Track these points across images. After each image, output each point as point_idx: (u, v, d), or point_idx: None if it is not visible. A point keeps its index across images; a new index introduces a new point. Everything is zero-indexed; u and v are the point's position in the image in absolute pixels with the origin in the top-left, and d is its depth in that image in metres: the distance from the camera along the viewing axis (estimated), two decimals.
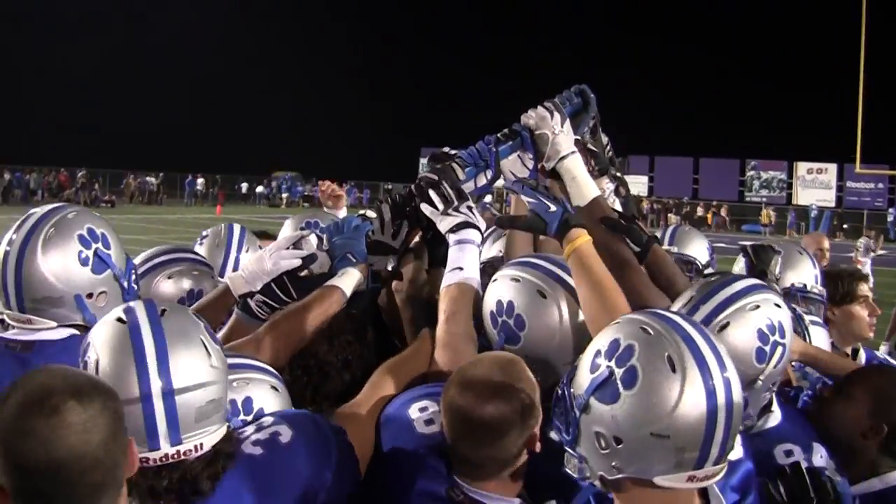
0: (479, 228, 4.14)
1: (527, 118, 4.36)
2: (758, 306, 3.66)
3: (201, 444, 2.81)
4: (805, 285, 4.99)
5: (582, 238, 3.82)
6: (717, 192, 79.95)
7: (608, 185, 4.69)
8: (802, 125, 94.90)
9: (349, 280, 4.12)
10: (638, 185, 77.43)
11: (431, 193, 4.19)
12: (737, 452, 3.17)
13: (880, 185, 76.95)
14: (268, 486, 2.98)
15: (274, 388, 3.59)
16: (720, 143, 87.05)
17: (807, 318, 4.98)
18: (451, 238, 4.11)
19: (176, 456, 2.76)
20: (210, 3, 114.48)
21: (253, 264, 4.23)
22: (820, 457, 3.70)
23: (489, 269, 5.77)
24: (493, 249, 6.26)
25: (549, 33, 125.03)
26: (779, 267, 5.31)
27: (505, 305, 3.80)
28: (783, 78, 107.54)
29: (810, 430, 3.90)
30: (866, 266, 30.48)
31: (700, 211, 72.35)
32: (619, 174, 4.55)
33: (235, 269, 5.50)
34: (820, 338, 5.01)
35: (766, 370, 3.56)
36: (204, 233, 5.94)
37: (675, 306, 3.74)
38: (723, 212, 74.69)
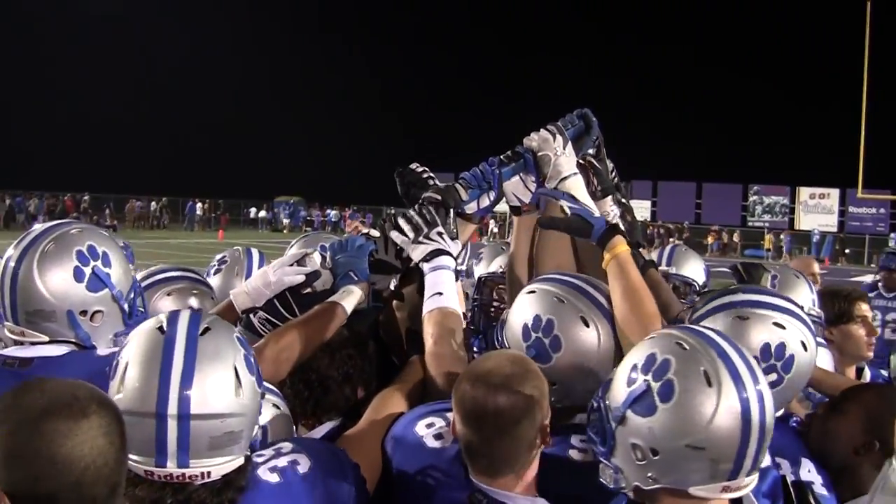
0: (451, 254, 4.15)
1: (529, 140, 4.38)
2: (783, 327, 3.79)
3: (209, 473, 2.77)
4: (802, 308, 5.01)
5: (623, 245, 3.96)
6: (720, 217, 79.97)
7: (613, 210, 4.70)
8: (805, 150, 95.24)
9: (350, 298, 4.12)
10: (641, 209, 77.42)
11: (401, 222, 4.23)
12: (766, 460, 3.20)
13: (882, 211, 76.96)
14: None
15: (275, 405, 3.62)
16: (723, 167, 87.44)
17: None
18: (425, 266, 4.12)
19: (181, 478, 2.73)
20: (214, 29, 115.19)
21: (257, 280, 4.24)
22: (808, 471, 3.74)
23: (489, 283, 5.77)
24: (494, 265, 6.28)
25: (558, 59, 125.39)
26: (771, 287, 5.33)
27: (544, 322, 3.75)
28: (786, 103, 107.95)
29: (800, 446, 3.94)
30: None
31: (710, 239, 72.20)
32: (624, 200, 4.57)
33: None
34: (824, 359, 5.02)
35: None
36: (218, 256, 5.88)
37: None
38: (735, 237, 74.79)
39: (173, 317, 2.89)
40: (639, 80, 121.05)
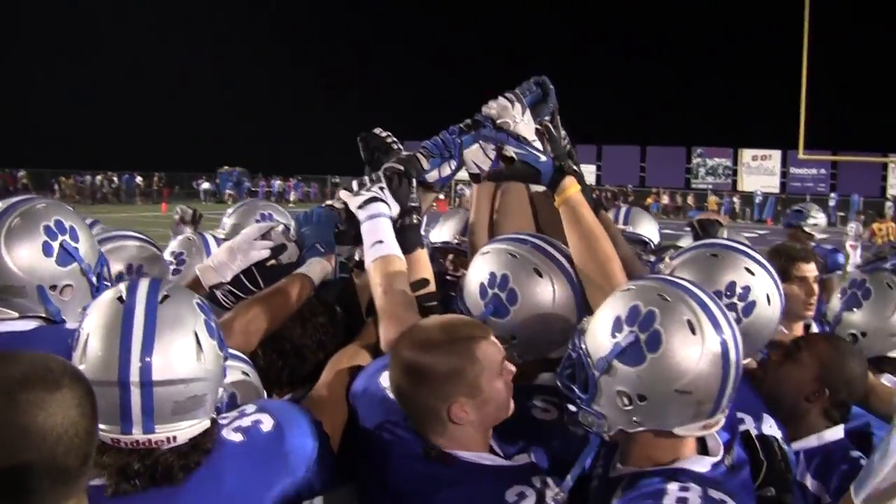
0: (386, 202, 4.14)
1: (488, 108, 4.39)
2: (753, 274, 3.97)
3: (175, 437, 2.81)
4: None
5: (574, 187, 4.05)
6: (664, 180, 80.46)
7: None
8: (747, 113, 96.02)
9: (317, 269, 4.15)
10: (587, 173, 75.83)
11: (353, 184, 4.26)
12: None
13: (822, 171, 77.78)
14: (246, 473, 3.00)
15: (245, 373, 3.65)
16: (666, 131, 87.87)
17: None
18: (361, 214, 4.12)
19: (147, 444, 2.77)
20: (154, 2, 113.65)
21: (223, 255, 4.23)
22: (769, 426, 3.83)
23: (440, 252, 5.80)
24: (445, 233, 6.31)
25: (494, 24, 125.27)
26: None
27: (499, 278, 3.83)
28: (728, 66, 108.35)
29: (760, 403, 4.04)
30: (857, 251, 30.61)
31: (650, 200, 72.46)
32: (576, 168, 4.64)
33: None
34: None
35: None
36: (173, 250, 5.86)
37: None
38: (689, 199, 75.25)
39: (132, 286, 2.91)
40: (582, 44, 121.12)
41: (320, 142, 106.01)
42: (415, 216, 4.26)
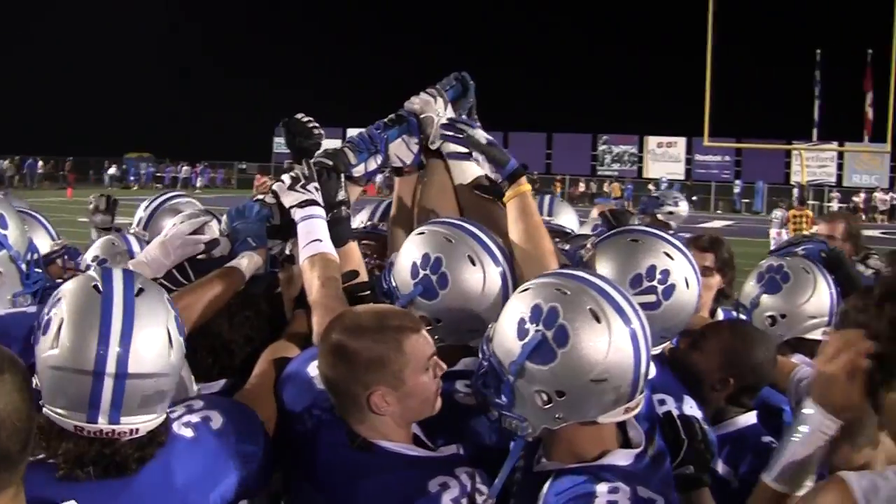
0: (321, 204, 4.20)
1: (411, 104, 4.51)
2: (672, 258, 4.03)
3: (137, 429, 2.84)
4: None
5: (527, 185, 4.16)
6: (570, 167, 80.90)
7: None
8: (652, 99, 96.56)
9: (249, 263, 4.14)
10: None
11: (283, 176, 4.29)
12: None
13: (727, 158, 78.79)
14: (196, 467, 3.04)
15: None
16: (572, 118, 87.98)
17: None
18: (298, 213, 4.16)
19: (110, 434, 2.79)
20: None
21: (156, 251, 4.23)
22: (690, 407, 3.90)
23: (370, 236, 5.85)
24: (356, 220, 6.36)
25: (400, 10, 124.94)
26: None
27: (432, 260, 3.88)
28: (632, 53, 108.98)
29: (680, 384, 4.11)
30: (782, 238, 30.83)
31: (557, 188, 72.65)
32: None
33: None
34: None
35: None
36: (94, 254, 5.84)
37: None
38: (609, 187, 75.35)
39: (106, 275, 2.92)
40: (487, 31, 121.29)
41: (226, 127, 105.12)
42: (343, 209, 4.30)
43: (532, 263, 3.91)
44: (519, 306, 3.14)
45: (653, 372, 3.50)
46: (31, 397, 2.41)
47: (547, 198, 7.10)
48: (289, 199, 4.20)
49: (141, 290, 2.92)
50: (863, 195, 68.38)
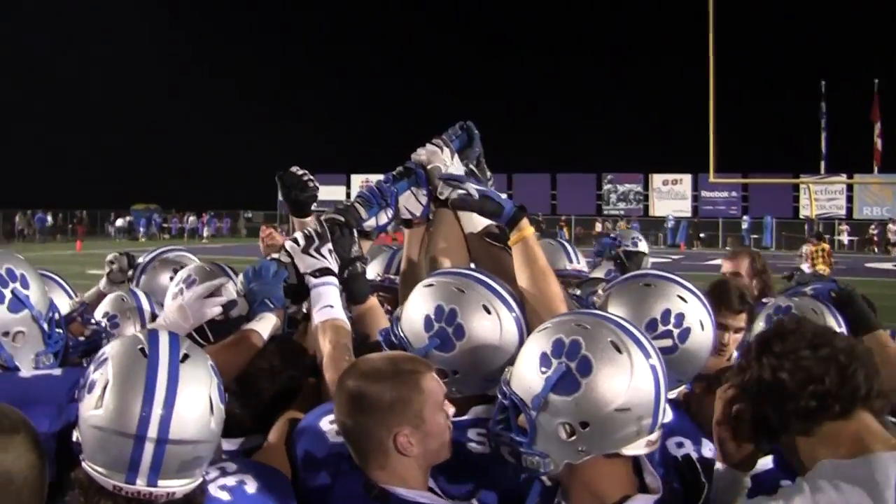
0: (335, 273, 4.23)
1: (418, 155, 4.53)
2: (685, 301, 4.09)
3: (174, 493, 2.85)
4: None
5: (530, 228, 4.16)
6: (575, 207, 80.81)
7: None
8: (656, 137, 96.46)
9: (267, 324, 4.15)
10: None
11: (297, 235, 4.31)
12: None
13: (734, 194, 78.44)
14: None
15: None
16: (576, 158, 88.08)
17: None
18: (311, 280, 4.19)
19: (148, 496, 2.81)
20: (65, 33, 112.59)
21: (174, 315, 4.23)
22: (709, 450, 3.88)
23: (386, 288, 5.85)
24: (370, 272, 6.38)
25: (393, 44, 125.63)
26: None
27: (447, 312, 3.82)
28: (635, 91, 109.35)
29: (696, 427, 4.11)
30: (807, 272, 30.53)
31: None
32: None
33: None
34: None
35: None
36: (105, 311, 5.81)
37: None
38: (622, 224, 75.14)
39: (153, 338, 2.95)
40: (489, 73, 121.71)
41: (231, 177, 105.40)
42: (359, 265, 4.34)
43: (541, 308, 3.92)
44: (539, 343, 3.16)
45: (669, 416, 3.55)
46: (44, 455, 2.49)
47: (568, 246, 7.09)
48: (302, 265, 4.24)
49: (186, 356, 2.94)
50: (876, 228, 68.34)
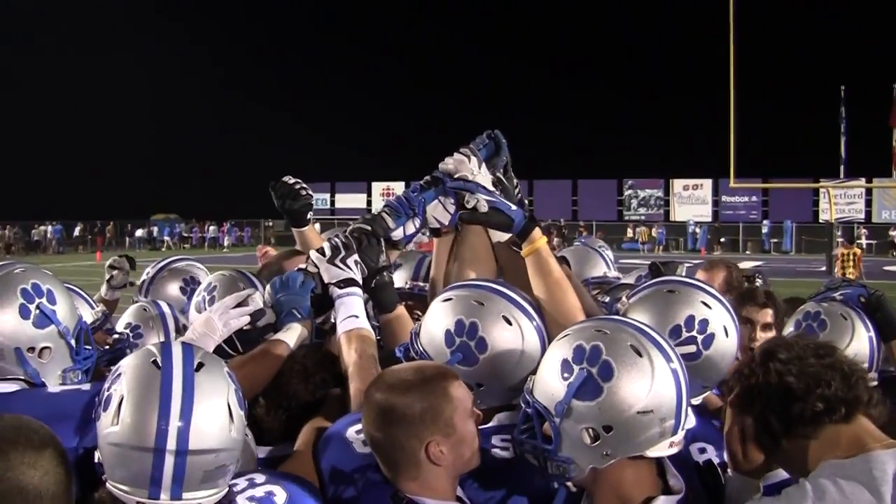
0: (359, 284, 4.24)
1: (445, 165, 4.50)
2: (709, 307, 4.08)
3: None
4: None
5: (543, 238, 4.14)
6: (597, 213, 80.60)
7: None
8: (676, 142, 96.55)
9: (294, 335, 4.13)
10: None
11: (324, 245, 4.32)
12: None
13: (754, 199, 78.18)
14: None
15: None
16: (597, 164, 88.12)
17: None
18: (336, 291, 4.21)
19: None
20: (84, 39, 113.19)
21: (203, 327, 4.19)
22: None
23: (413, 296, 5.85)
24: (398, 279, 6.36)
25: (417, 54, 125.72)
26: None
27: (467, 326, 3.81)
28: (655, 97, 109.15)
29: (720, 432, 4.12)
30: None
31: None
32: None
33: None
34: None
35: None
36: (127, 322, 5.74)
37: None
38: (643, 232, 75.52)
39: (166, 350, 2.95)
40: (511, 80, 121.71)
41: (252, 185, 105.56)
42: (386, 274, 4.35)
43: (559, 318, 3.92)
44: (560, 351, 3.20)
45: (692, 422, 3.54)
46: (70, 471, 2.49)
47: (608, 252, 7.15)
48: (327, 275, 4.25)
49: (201, 365, 2.94)
50: (895, 231, 68.16)
